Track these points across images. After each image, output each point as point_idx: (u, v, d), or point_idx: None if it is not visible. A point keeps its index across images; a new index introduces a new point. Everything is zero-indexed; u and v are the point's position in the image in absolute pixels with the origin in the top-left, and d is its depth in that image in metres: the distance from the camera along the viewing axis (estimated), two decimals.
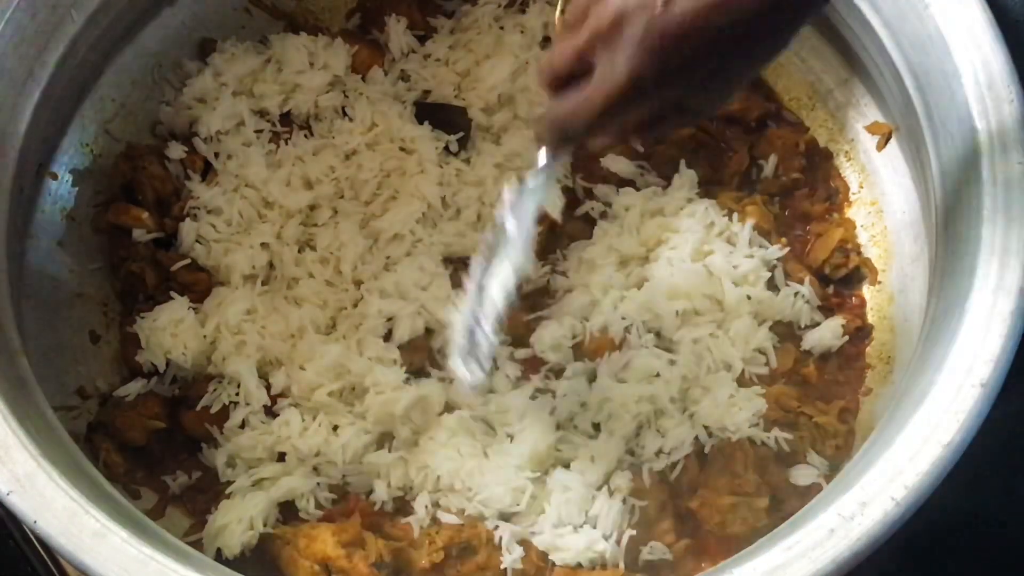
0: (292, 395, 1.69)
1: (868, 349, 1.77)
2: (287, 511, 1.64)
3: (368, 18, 2.02)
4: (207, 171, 1.85)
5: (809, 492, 1.61)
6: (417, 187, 1.81)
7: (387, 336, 1.74)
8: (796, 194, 1.90)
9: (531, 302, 1.81)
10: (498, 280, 1.48)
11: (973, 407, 1.34)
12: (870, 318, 1.80)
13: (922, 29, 1.58)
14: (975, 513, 1.65)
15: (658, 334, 1.73)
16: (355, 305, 1.77)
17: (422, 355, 1.75)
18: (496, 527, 1.61)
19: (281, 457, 1.67)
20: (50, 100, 1.67)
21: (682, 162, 1.87)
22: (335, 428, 1.67)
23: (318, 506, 1.64)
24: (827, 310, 1.79)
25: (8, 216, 1.59)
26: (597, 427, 1.67)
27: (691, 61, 1.16)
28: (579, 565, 1.59)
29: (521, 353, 1.76)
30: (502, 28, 1.95)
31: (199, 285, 1.77)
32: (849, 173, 1.91)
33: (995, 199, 1.46)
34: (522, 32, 1.94)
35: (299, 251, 1.80)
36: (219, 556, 1.58)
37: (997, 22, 1.54)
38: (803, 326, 1.77)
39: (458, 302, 1.57)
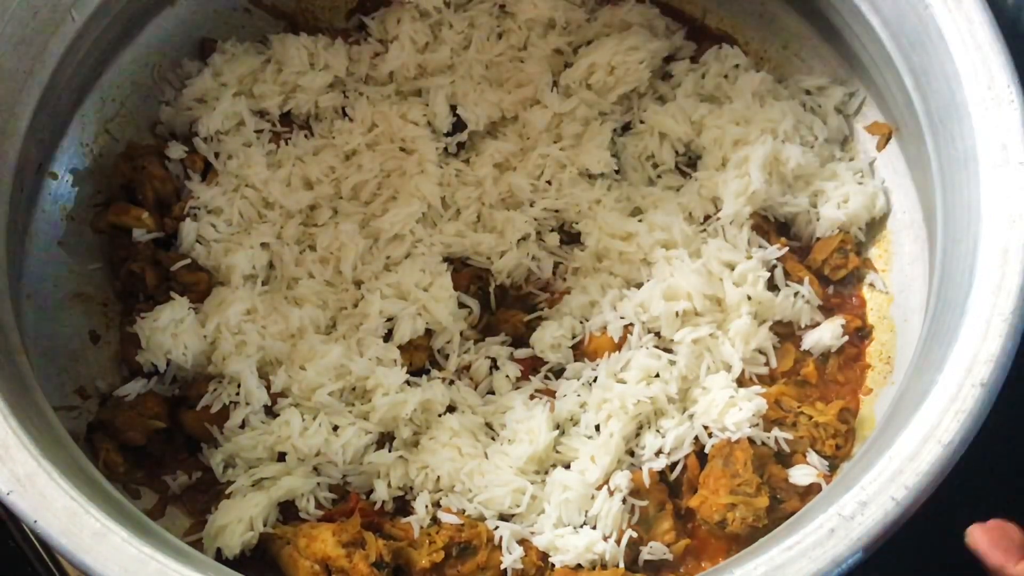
0: (292, 395, 1.69)
1: (868, 349, 1.77)
2: (287, 511, 1.64)
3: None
4: (207, 171, 1.85)
5: (809, 492, 1.61)
6: (417, 187, 1.81)
7: (387, 336, 1.74)
8: None
9: (531, 302, 1.82)
10: None
11: (973, 407, 1.34)
12: (870, 318, 1.80)
13: (922, 29, 1.58)
14: None
15: (658, 334, 1.73)
16: (355, 305, 1.77)
17: (422, 355, 1.75)
18: (496, 527, 1.61)
19: (281, 457, 1.67)
20: (50, 100, 1.67)
21: None
22: (335, 428, 1.67)
23: (318, 506, 1.64)
24: (827, 310, 1.79)
25: (8, 216, 1.60)
26: (597, 427, 1.67)
27: None
28: (579, 565, 1.59)
29: (521, 353, 1.76)
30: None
31: (199, 285, 1.77)
32: None
33: (995, 199, 1.46)
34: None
35: (299, 251, 1.80)
36: (219, 556, 1.58)
37: (997, 22, 1.54)
38: (803, 326, 1.77)
39: None
